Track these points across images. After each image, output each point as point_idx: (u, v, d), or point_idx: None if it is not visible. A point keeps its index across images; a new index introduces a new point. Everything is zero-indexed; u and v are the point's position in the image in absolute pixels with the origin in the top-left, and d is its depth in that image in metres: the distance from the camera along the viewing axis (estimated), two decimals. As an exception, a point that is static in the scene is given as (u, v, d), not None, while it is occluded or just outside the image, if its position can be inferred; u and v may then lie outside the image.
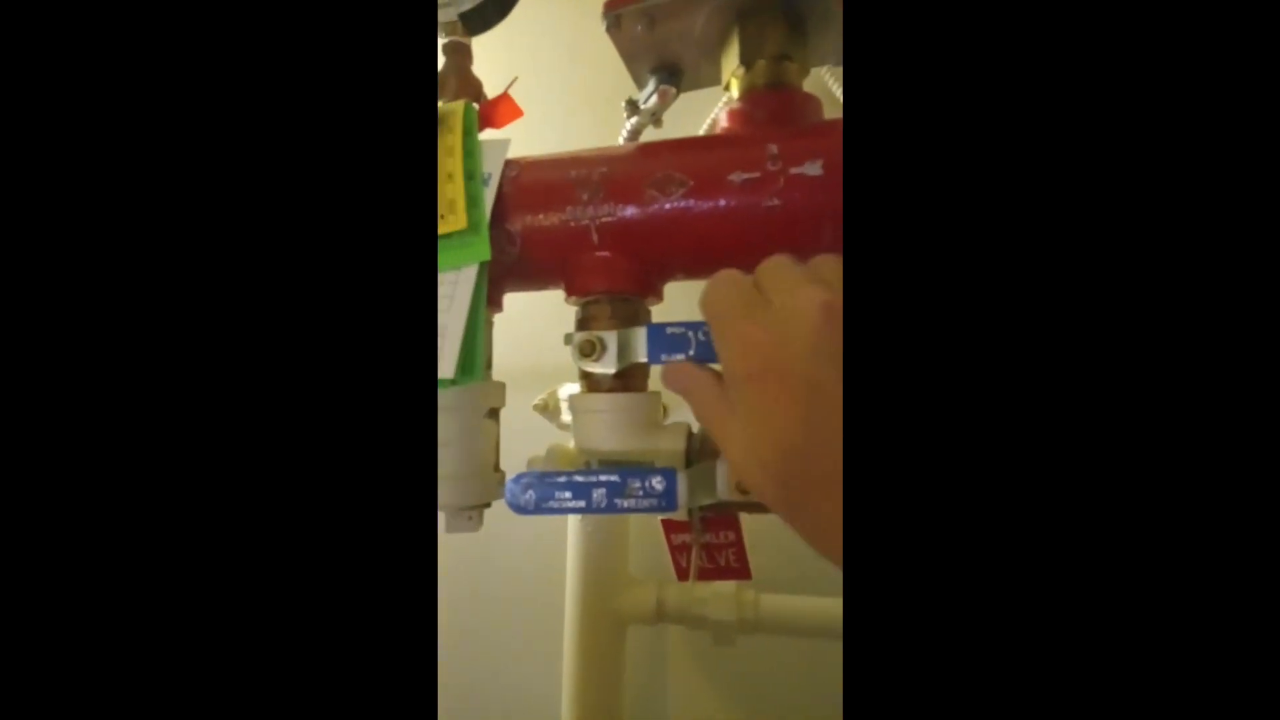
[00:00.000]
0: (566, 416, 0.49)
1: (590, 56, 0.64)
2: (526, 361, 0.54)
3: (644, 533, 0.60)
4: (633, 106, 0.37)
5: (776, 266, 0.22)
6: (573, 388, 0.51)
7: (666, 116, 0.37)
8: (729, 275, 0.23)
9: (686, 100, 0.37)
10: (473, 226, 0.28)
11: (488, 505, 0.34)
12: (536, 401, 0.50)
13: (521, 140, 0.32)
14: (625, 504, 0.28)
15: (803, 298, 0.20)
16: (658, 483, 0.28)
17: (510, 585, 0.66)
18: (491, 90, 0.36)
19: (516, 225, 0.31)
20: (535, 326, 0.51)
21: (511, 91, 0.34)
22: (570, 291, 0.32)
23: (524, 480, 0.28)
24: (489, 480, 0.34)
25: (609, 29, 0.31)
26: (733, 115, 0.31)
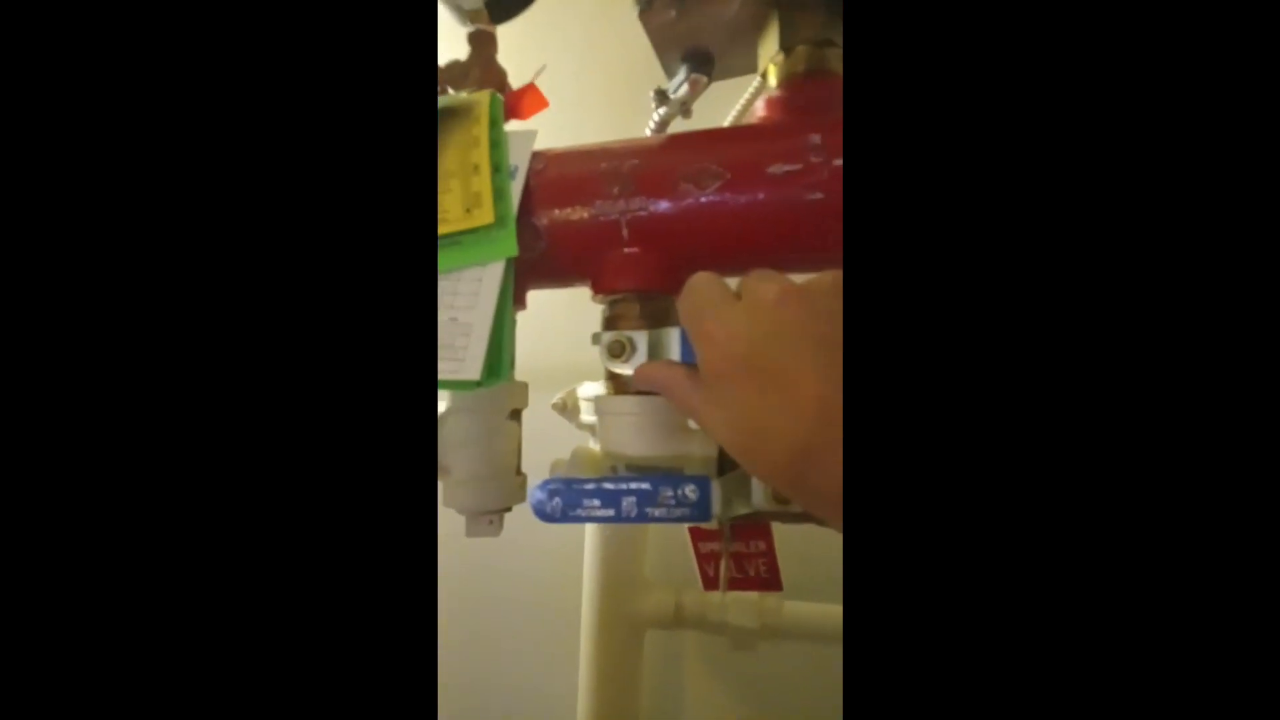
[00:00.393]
0: (586, 416, 0.48)
1: (605, 52, 0.62)
2: (543, 361, 0.53)
3: (661, 535, 0.59)
4: (661, 96, 0.35)
5: (754, 274, 0.23)
6: (593, 387, 0.50)
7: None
8: (704, 277, 0.23)
9: (713, 92, 0.35)
10: (499, 221, 0.27)
11: (508, 510, 0.33)
12: (555, 401, 0.49)
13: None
14: (656, 513, 0.27)
15: (762, 289, 0.21)
16: (691, 491, 0.26)
17: (526, 588, 0.65)
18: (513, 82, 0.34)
19: (543, 220, 0.29)
20: (553, 324, 0.50)
21: (536, 82, 0.33)
22: (597, 289, 0.31)
23: (550, 486, 0.27)
24: (510, 484, 0.33)
25: (641, 13, 0.30)
26: (771, 104, 0.30)
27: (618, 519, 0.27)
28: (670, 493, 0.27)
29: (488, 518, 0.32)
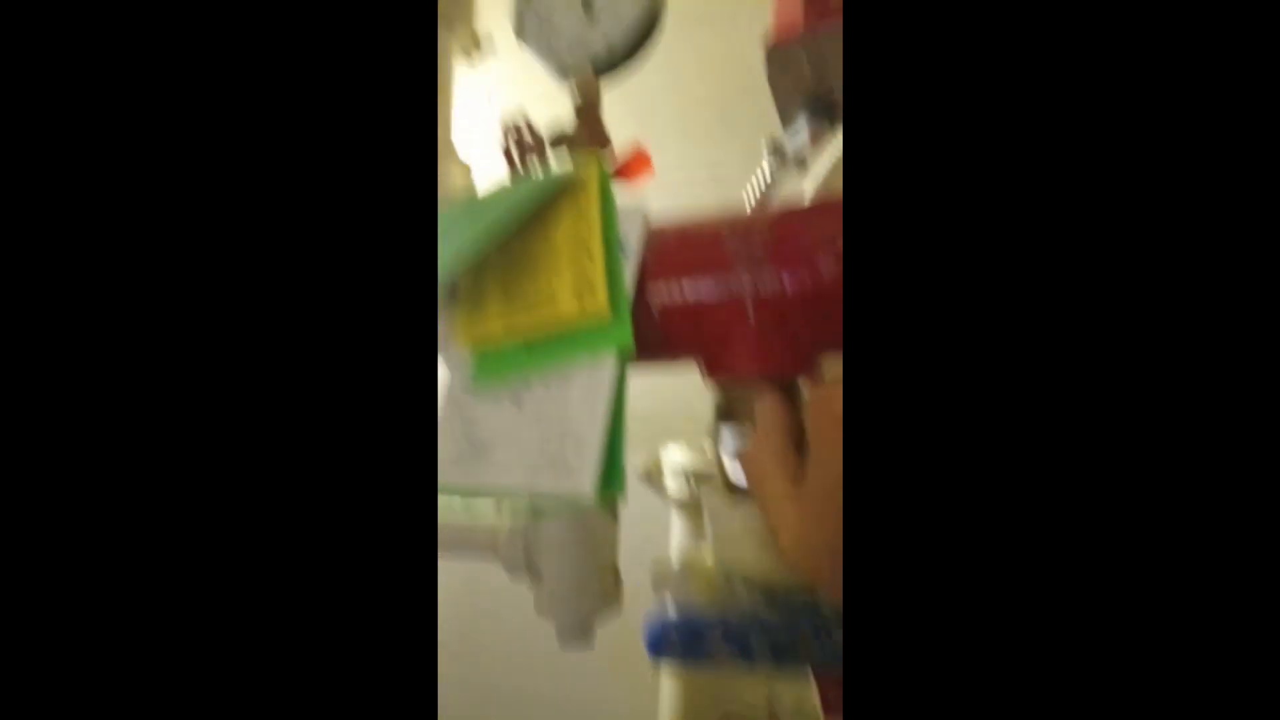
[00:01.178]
0: (674, 491, 0.44)
1: (693, 78, 0.59)
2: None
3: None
4: (777, 148, 0.32)
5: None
6: (678, 453, 0.46)
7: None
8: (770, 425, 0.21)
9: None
10: (613, 309, 0.23)
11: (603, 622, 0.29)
12: (639, 469, 0.45)
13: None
14: (794, 657, 0.22)
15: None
16: (839, 634, 0.22)
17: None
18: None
19: (655, 299, 0.26)
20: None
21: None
22: (712, 371, 0.27)
23: (667, 621, 0.23)
24: (607, 586, 0.29)
25: (770, 71, 0.26)
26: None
27: (748, 661, 0.22)
28: (811, 631, 0.22)
29: (582, 629, 0.28)
